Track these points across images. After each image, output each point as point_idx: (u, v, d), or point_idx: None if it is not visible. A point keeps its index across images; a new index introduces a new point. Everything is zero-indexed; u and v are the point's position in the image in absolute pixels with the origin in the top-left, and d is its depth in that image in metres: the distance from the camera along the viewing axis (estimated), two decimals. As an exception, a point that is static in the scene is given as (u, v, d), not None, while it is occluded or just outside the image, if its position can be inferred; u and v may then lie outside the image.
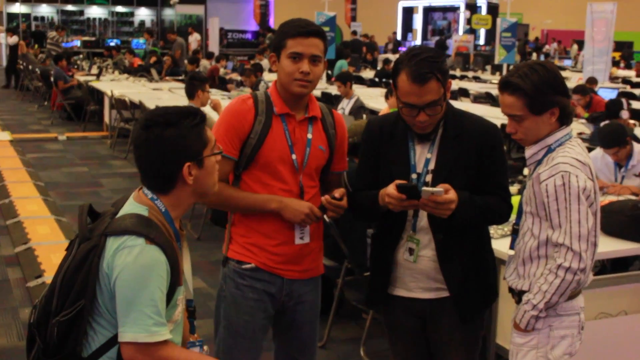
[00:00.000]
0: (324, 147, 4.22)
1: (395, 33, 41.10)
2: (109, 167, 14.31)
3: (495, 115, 10.50)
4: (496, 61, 25.48)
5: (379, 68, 26.03)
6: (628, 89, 20.28)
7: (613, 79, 23.47)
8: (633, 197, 6.86)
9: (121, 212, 3.20)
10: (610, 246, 5.67)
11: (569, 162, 3.77)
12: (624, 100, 12.59)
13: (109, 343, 3.13)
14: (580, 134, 11.21)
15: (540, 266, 3.91)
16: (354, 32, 35.73)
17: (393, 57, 25.88)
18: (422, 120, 3.91)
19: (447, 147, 4.02)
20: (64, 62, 20.29)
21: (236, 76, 21.21)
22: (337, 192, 4.01)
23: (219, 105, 10.94)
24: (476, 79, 24.53)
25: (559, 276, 3.74)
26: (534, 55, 34.10)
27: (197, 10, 38.51)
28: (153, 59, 23.75)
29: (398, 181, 3.86)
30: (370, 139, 4.23)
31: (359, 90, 15.45)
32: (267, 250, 4.14)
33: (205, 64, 22.87)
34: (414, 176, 4.05)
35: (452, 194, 3.81)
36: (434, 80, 3.83)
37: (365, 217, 4.44)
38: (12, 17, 38.83)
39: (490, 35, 33.39)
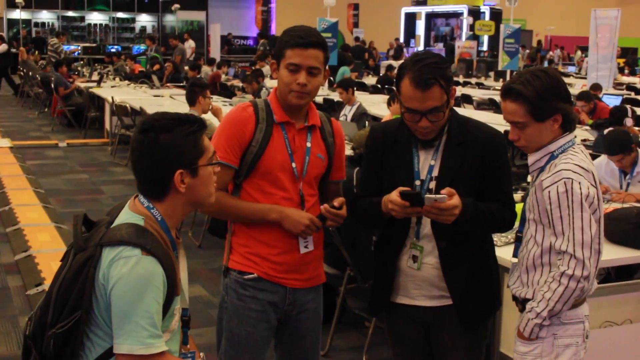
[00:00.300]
0: (322, 155, 4.19)
1: (398, 39, 41.11)
2: (110, 174, 14.29)
3: (498, 122, 10.41)
4: (499, 67, 25.49)
5: (381, 74, 26.00)
6: (632, 95, 20.24)
7: (617, 85, 23.46)
8: (638, 205, 6.81)
9: (117, 222, 3.17)
10: (615, 254, 5.63)
11: (572, 169, 3.75)
12: (628, 107, 12.55)
13: (106, 354, 3.09)
14: (584, 140, 11.19)
15: (543, 274, 3.88)
16: (357, 39, 35.80)
17: (396, 63, 25.86)
18: (424, 126, 3.88)
19: (451, 154, 3.99)
20: (64, 68, 20.31)
21: (238, 82, 21.20)
22: (337, 201, 3.99)
23: (219, 112, 10.91)
24: (479, 85, 24.51)
25: (562, 284, 3.72)
26: (533, 63, 34.12)
27: (198, 16, 38.59)
28: (156, 67, 23.75)
29: (401, 188, 3.84)
30: (373, 145, 4.21)
31: (361, 97, 15.43)
32: (269, 260, 4.10)
33: (206, 70, 22.88)
34: (417, 183, 4.02)
35: (455, 200, 3.79)
36: (436, 86, 3.80)
37: (367, 223, 4.41)
38: (12, 23, 38.91)
39: (494, 41, 33.39)
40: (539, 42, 43.26)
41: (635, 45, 37.85)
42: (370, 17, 43.01)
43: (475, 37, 35.12)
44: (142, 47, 37.06)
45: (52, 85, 19.67)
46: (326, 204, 3.99)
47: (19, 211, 11.09)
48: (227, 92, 20.26)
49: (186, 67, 22.77)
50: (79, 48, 36.75)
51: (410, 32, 43.63)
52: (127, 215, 3.18)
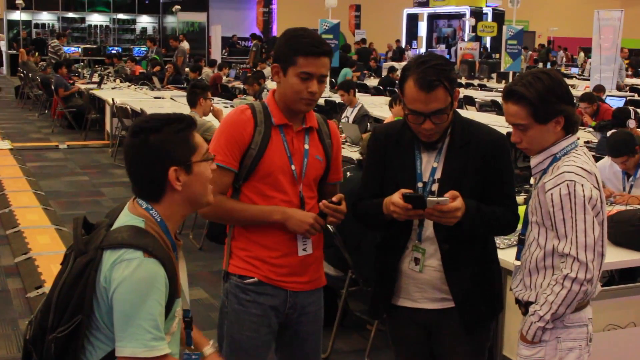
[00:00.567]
0: (321, 157, 4.19)
1: (398, 41, 41.16)
2: (110, 176, 14.29)
3: (501, 124, 10.42)
4: (502, 69, 25.48)
5: (383, 76, 26.01)
6: (636, 97, 20.23)
7: (620, 87, 23.46)
8: (641, 207, 6.79)
9: (116, 224, 3.16)
10: (619, 256, 5.61)
11: (574, 171, 3.74)
12: (631, 109, 12.54)
13: (107, 358, 3.08)
14: (587, 142, 11.17)
15: (546, 277, 3.88)
16: (363, 40, 35.94)
17: (398, 65, 25.88)
18: (427, 128, 3.86)
19: (454, 156, 3.98)
20: (64, 69, 20.32)
21: (239, 84, 21.22)
22: (335, 197, 4.00)
23: (220, 113, 10.90)
24: (482, 87, 24.51)
25: (565, 287, 3.71)
26: (540, 64, 34.13)
27: (199, 17, 38.64)
28: (157, 68, 23.77)
29: (403, 190, 3.82)
30: (375, 146, 4.20)
31: (363, 99, 15.43)
32: (270, 263, 4.09)
33: (207, 71, 22.89)
34: (419, 185, 4.01)
35: (458, 202, 3.77)
36: (441, 88, 3.79)
37: (368, 225, 4.39)
38: (12, 24, 38.95)
39: (496, 42, 33.40)
40: (549, 42, 43.27)
41: (638, 47, 37.86)
42: (372, 18, 43.09)
43: (477, 39, 35.13)
44: (143, 48, 37.12)
45: (53, 87, 19.66)
46: (325, 200, 3.98)
47: (19, 213, 11.09)
48: (228, 93, 20.29)
49: (187, 69, 22.80)
50: (79, 51, 36.75)
51: (412, 33, 43.66)
52: (127, 218, 3.17)
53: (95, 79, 22.07)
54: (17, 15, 37.83)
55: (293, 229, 4.03)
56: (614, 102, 15.73)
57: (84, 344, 3.07)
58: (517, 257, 4.12)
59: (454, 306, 4.05)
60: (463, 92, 20.19)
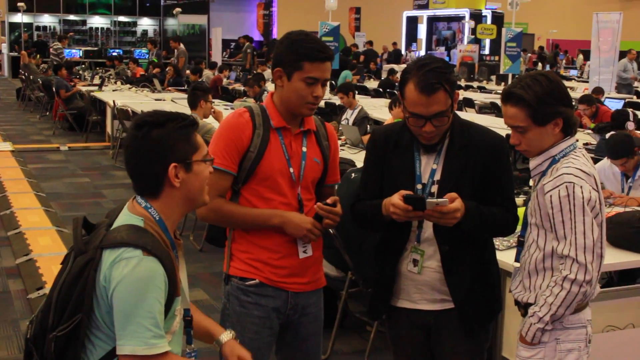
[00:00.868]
0: (318, 159, 4.20)
1: (395, 43, 41.12)
2: (111, 178, 14.30)
3: (500, 126, 10.44)
4: (501, 71, 25.48)
5: (382, 78, 26.01)
6: (634, 99, 20.24)
7: (619, 88, 23.48)
8: (640, 208, 6.81)
9: (116, 223, 3.18)
10: (618, 258, 5.62)
11: (573, 173, 3.74)
12: (630, 111, 12.55)
13: (107, 357, 3.09)
14: (586, 144, 11.19)
15: (546, 278, 3.88)
16: (370, 43, 36.01)
17: (398, 67, 25.88)
18: (428, 131, 3.87)
19: (453, 158, 3.98)
20: (64, 71, 20.32)
21: (239, 86, 21.22)
22: (330, 199, 4.00)
23: (221, 115, 10.92)
24: (481, 89, 24.51)
25: (564, 288, 3.71)
26: (539, 66, 34.10)
27: (199, 20, 38.61)
28: (157, 70, 23.76)
29: (403, 192, 3.82)
30: (374, 148, 4.20)
31: (362, 101, 15.42)
32: (271, 265, 4.10)
33: (208, 74, 22.88)
34: (419, 187, 4.01)
35: (457, 203, 3.78)
36: (441, 91, 3.79)
37: (366, 226, 4.38)
38: (14, 26, 38.95)
39: (496, 45, 33.37)
40: (557, 45, 43.20)
41: (637, 49, 37.84)
42: (371, 20, 43.08)
43: (477, 41, 35.10)
44: (144, 50, 37.10)
45: (54, 89, 19.67)
46: (319, 202, 4.00)
47: (20, 215, 11.10)
48: (229, 95, 20.29)
49: (188, 71, 22.79)
50: (79, 56, 36.72)
51: (411, 35, 43.59)
52: (126, 217, 3.18)
53: (96, 81, 22.08)
54: (19, 18, 37.81)
55: (291, 233, 4.03)
56: (613, 104, 15.74)
57: (84, 343, 3.08)
58: (517, 259, 4.13)
59: (453, 307, 4.05)
60: (462, 94, 20.19)
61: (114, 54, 35.66)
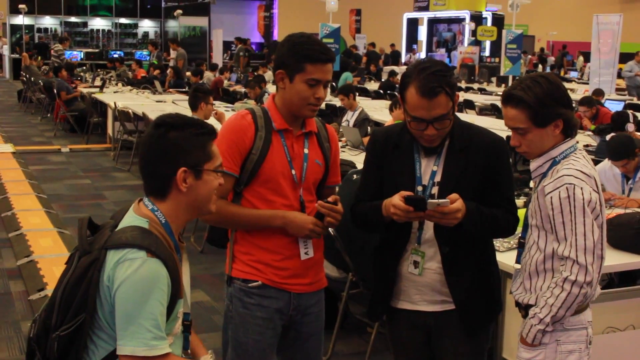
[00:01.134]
0: (320, 161, 4.21)
1: (393, 45, 41.11)
2: (112, 180, 14.30)
3: (500, 128, 10.41)
4: (501, 73, 25.47)
5: (383, 80, 26.01)
6: (635, 100, 20.24)
7: (620, 90, 23.46)
8: (640, 210, 6.81)
9: (121, 225, 3.19)
10: (618, 259, 5.61)
11: (574, 175, 3.74)
12: (630, 113, 12.56)
13: (109, 357, 3.10)
14: (586, 145, 11.19)
15: (546, 280, 3.87)
16: (373, 44, 36.00)
17: (399, 69, 25.87)
18: (430, 134, 3.87)
19: (453, 160, 3.99)
20: (64, 72, 20.33)
21: (240, 88, 21.22)
22: (331, 197, 4.02)
23: (223, 117, 10.92)
24: (481, 90, 24.50)
25: (565, 289, 3.71)
26: (539, 67, 34.10)
27: (200, 22, 38.58)
28: (157, 72, 23.76)
29: (404, 192, 3.82)
30: (374, 149, 4.20)
31: (363, 102, 15.41)
32: (273, 266, 4.11)
33: (209, 75, 22.88)
34: (419, 188, 4.01)
35: (458, 203, 3.78)
36: (443, 94, 3.79)
37: (366, 227, 4.38)
38: (15, 28, 38.97)
39: (496, 46, 33.38)
40: (564, 45, 43.16)
41: (637, 51, 37.82)
42: (372, 22, 43.07)
43: (477, 43, 35.10)
44: (145, 52, 37.11)
45: (55, 90, 19.67)
46: (320, 200, 4.01)
47: (21, 216, 11.08)
48: (230, 97, 20.29)
49: (188, 73, 22.80)
50: (81, 57, 36.73)
51: (412, 37, 43.58)
52: (131, 218, 3.19)
53: (98, 82, 22.08)
54: (20, 20, 37.81)
55: (293, 232, 4.05)
56: (613, 105, 15.74)
57: (86, 343, 3.10)
58: (517, 260, 4.13)
59: (453, 308, 4.05)
60: (463, 95, 20.19)
61: (115, 55, 35.66)
